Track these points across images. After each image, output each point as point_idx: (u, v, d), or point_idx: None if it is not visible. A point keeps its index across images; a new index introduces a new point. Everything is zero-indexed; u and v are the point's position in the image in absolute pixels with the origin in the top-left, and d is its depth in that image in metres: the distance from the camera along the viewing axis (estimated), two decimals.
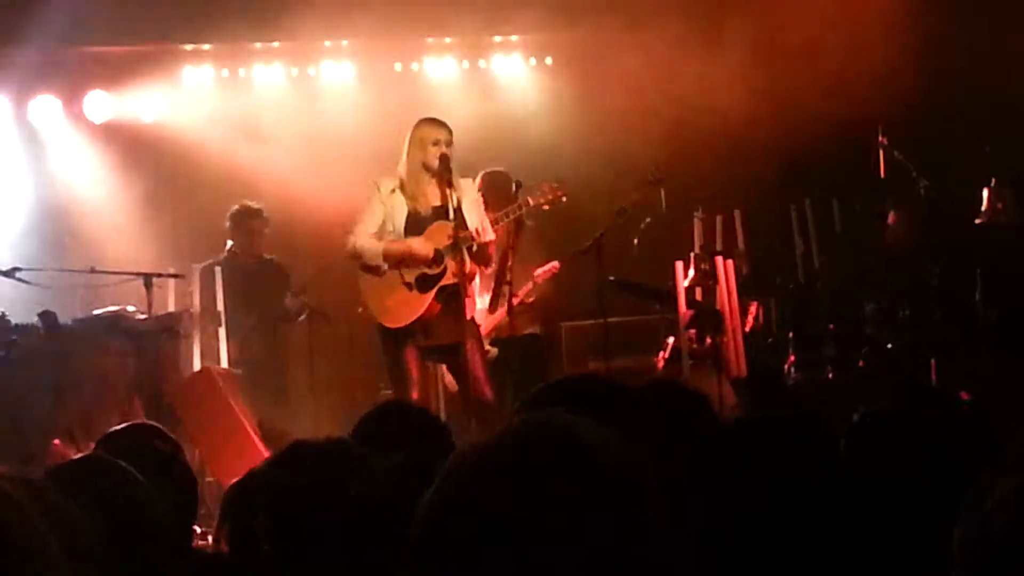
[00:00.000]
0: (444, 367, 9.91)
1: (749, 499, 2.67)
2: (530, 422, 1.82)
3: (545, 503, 1.73)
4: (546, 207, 9.57)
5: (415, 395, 9.11)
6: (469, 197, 9.38)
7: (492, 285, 10.31)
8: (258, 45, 12.85)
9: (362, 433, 4.02)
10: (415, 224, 9.28)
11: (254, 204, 11.51)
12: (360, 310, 10.17)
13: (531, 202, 9.52)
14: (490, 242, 9.26)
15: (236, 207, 11.45)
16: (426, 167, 9.20)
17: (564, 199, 9.54)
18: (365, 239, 9.36)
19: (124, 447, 3.98)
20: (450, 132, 9.30)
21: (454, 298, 9.14)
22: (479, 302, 9.91)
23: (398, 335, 9.29)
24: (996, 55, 11.70)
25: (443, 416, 9.34)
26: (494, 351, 10.30)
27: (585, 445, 1.79)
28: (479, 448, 1.80)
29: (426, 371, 9.59)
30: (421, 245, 9.21)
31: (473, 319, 9.37)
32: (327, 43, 12.91)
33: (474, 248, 9.17)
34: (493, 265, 9.57)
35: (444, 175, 9.15)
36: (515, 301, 10.15)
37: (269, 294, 11.28)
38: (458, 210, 9.18)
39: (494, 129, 12.34)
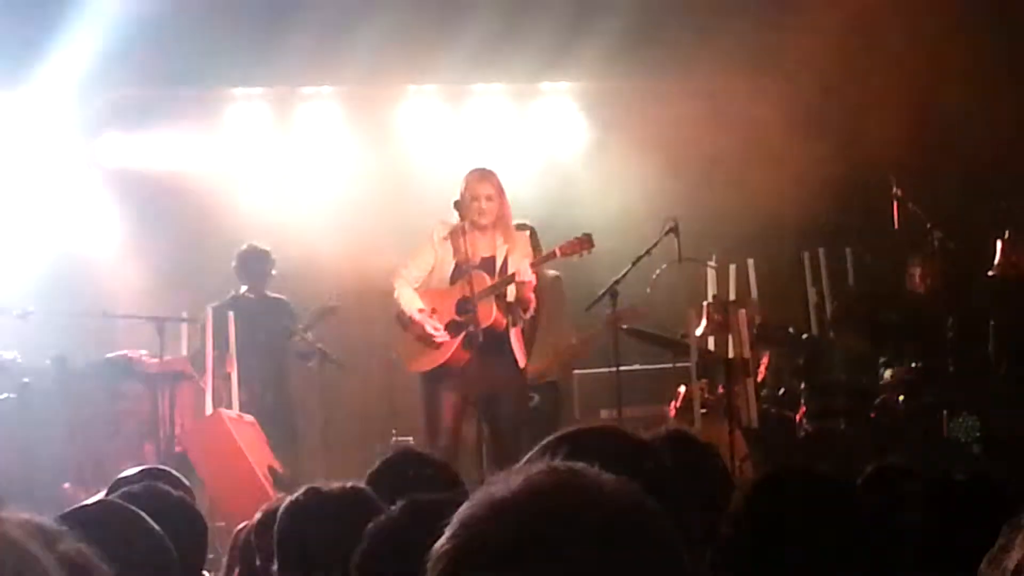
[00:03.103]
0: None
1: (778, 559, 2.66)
2: (546, 472, 1.80)
3: (558, 555, 1.71)
4: (574, 258, 9.54)
5: (445, 443, 9.04)
6: (521, 250, 9.33)
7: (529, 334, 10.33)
8: (260, 89, 12.92)
9: (376, 480, 4.01)
10: (461, 275, 9.22)
11: (261, 245, 11.51)
12: (394, 355, 10.14)
13: (558, 253, 9.49)
14: (528, 283, 9.20)
15: (244, 247, 11.45)
16: (473, 225, 9.16)
17: (590, 252, 9.51)
18: (406, 289, 9.33)
19: (135, 491, 3.97)
20: (496, 186, 9.22)
21: (489, 346, 9.07)
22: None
23: (434, 380, 9.25)
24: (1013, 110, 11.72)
25: (461, 463, 9.30)
26: (535, 398, 10.28)
27: (602, 496, 1.78)
28: (494, 496, 1.78)
29: (461, 420, 9.50)
30: (434, 327, 9.20)
31: (519, 368, 9.32)
32: (307, 89, 12.98)
33: (507, 295, 9.14)
34: (531, 310, 9.50)
35: (487, 231, 9.12)
36: None
37: (275, 335, 11.26)
38: (504, 264, 9.17)
39: (512, 175, 12.36)
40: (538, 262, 9.61)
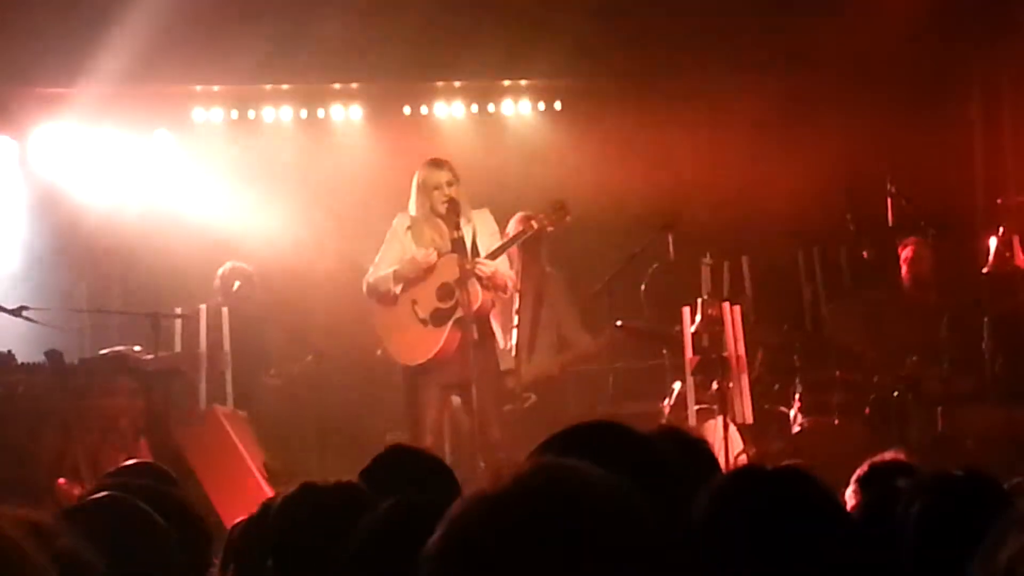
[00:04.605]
0: (459, 404, 9.85)
1: (757, 554, 2.65)
2: (536, 469, 1.81)
3: (550, 552, 1.71)
4: (551, 228, 9.63)
5: (428, 440, 9.06)
6: (486, 229, 9.41)
7: (529, 331, 10.33)
8: (268, 87, 12.84)
9: (370, 476, 4.00)
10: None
11: (245, 266, 11.42)
12: (379, 352, 10.16)
13: (535, 225, 9.63)
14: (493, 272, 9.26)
15: (227, 266, 11.36)
16: (435, 213, 9.25)
17: (566, 220, 9.59)
18: (377, 272, 9.40)
19: (127, 486, 3.96)
20: (453, 172, 9.33)
21: (478, 330, 9.13)
22: (502, 339, 9.90)
23: (418, 377, 9.28)
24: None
25: (449, 456, 9.33)
26: (532, 398, 10.29)
27: (591, 493, 1.78)
28: (485, 494, 1.79)
29: (442, 414, 9.57)
30: (423, 255, 9.24)
31: (495, 356, 9.37)
32: (336, 86, 12.91)
33: (484, 279, 9.19)
34: (510, 291, 9.54)
35: (452, 218, 9.18)
36: None
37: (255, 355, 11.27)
38: (474, 244, 9.24)
39: (502, 173, 12.34)
40: (516, 237, 9.73)
